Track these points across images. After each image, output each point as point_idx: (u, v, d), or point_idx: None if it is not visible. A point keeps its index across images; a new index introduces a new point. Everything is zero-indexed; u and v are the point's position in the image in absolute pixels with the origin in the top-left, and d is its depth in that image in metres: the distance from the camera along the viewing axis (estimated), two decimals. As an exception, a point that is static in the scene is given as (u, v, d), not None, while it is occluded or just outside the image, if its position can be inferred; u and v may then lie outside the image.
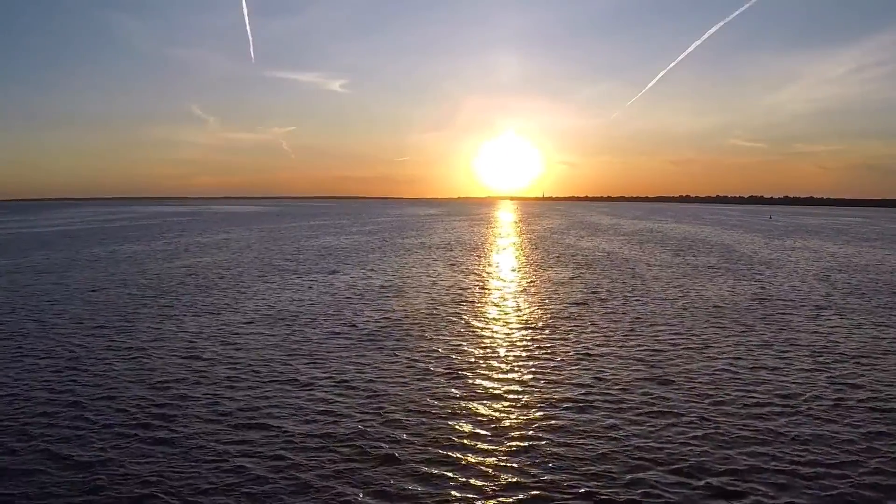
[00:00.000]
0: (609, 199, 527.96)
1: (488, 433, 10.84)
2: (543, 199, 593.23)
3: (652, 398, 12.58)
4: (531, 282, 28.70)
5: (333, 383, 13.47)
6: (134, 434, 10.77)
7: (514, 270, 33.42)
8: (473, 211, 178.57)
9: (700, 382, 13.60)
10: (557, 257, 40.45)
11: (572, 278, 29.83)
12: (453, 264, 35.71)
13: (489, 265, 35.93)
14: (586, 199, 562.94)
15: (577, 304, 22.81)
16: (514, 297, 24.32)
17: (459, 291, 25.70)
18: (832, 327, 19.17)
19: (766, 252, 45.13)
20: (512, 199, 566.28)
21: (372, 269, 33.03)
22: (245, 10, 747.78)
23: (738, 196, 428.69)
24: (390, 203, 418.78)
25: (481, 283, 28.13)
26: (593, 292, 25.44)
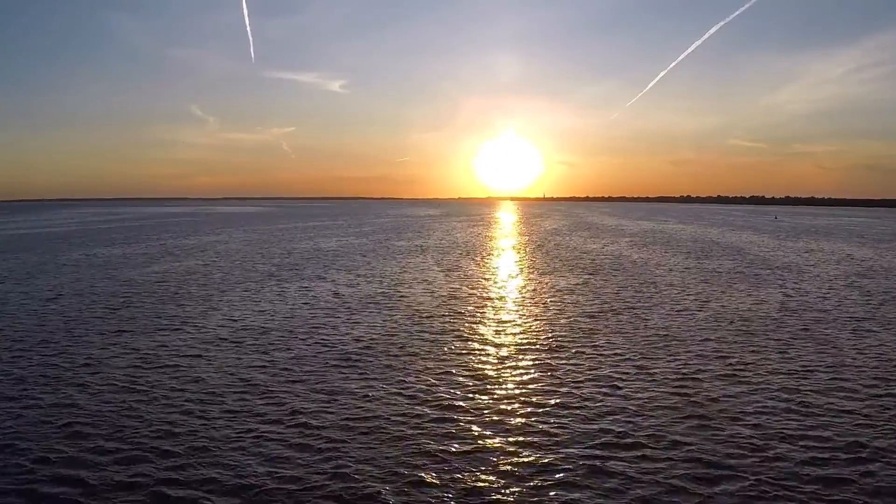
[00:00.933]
0: (609, 199, 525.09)
1: (491, 486, 8.42)
2: (544, 199, 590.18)
3: (687, 441, 10.15)
4: (536, 291, 26.26)
5: (300, 421, 11.05)
6: (28, 492, 8.35)
7: (516, 277, 30.99)
8: (473, 211, 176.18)
9: (743, 419, 11.17)
10: (563, 262, 38.03)
11: (580, 286, 27.40)
12: (450, 270, 33.28)
13: (489, 271, 33.49)
14: (586, 199, 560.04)
15: (588, 316, 20.36)
16: (518, 310, 21.89)
17: (456, 303, 23.27)
18: (882, 344, 16.73)
19: (783, 255, 42.69)
20: (512, 199, 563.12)
21: (361, 276, 30.60)
22: (245, 11, 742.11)
23: (738, 196, 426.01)
24: (390, 203, 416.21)
25: (481, 293, 25.68)
26: (605, 303, 23.01)
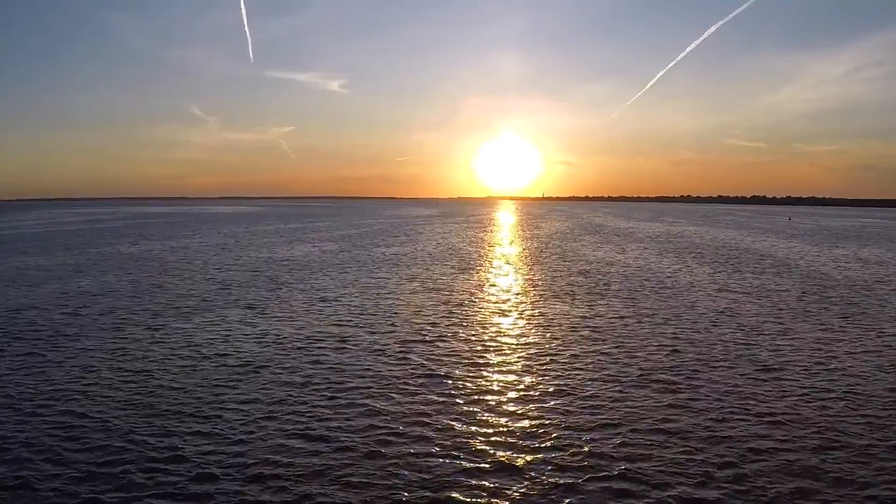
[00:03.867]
0: (608, 199, 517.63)
1: None
2: (543, 199, 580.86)
3: None
4: (548, 332, 18.67)
5: None
6: None
7: (519, 306, 23.36)
8: (471, 212, 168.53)
9: None
10: (578, 277, 30.46)
11: (609, 322, 19.83)
12: (431, 292, 25.69)
13: (483, 295, 25.90)
14: (586, 199, 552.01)
15: (635, 386, 12.77)
16: (524, 371, 14.32)
17: (431, 354, 15.69)
18: None
19: (841, 266, 35.13)
20: (512, 199, 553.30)
21: (307, 303, 23.03)
22: (244, 11, 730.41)
23: (738, 196, 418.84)
24: (388, 203, 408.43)
25: (469, 333, 18.11)
26: (649, 354, 15.45)
